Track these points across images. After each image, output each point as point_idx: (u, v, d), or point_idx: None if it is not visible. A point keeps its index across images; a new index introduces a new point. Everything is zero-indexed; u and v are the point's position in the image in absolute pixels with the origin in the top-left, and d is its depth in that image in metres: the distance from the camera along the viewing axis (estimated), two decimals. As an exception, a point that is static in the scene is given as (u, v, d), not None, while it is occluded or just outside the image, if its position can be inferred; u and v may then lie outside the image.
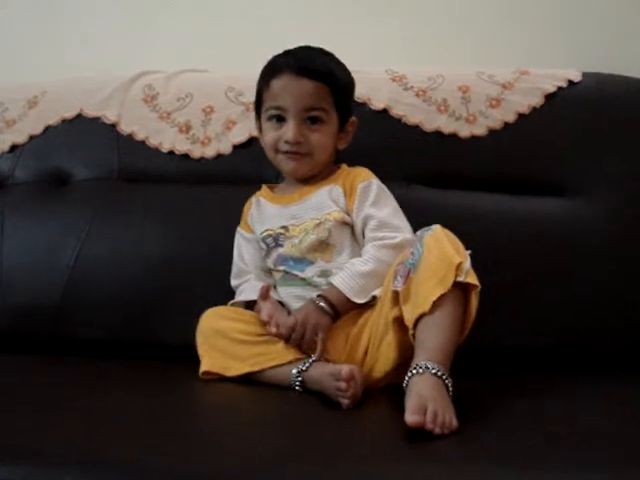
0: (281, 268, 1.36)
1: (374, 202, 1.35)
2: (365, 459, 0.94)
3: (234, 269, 1.44)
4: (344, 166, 1.43)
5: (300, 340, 1.25)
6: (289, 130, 1.35)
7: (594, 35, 1.68)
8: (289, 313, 1.30)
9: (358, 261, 1.30)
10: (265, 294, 1.30)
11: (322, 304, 1.26)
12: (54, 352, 1.49)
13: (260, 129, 1.44)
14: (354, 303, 1.27)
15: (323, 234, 1.34)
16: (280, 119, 1.38)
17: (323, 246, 1.34)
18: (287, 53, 1.40)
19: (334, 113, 1.38)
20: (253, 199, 1.47)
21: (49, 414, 1.10)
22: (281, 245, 1.37)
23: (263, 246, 1.40)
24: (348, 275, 1.28)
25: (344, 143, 1.43)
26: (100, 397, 1.19)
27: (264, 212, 1.43)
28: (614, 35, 1.68)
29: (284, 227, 1.38)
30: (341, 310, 1.27)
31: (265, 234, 1.40)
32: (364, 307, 1.28)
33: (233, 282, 1.43)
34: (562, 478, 0.89)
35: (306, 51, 1.40)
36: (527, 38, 1.71)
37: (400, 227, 1.33)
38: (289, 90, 1.35)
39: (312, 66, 1.36)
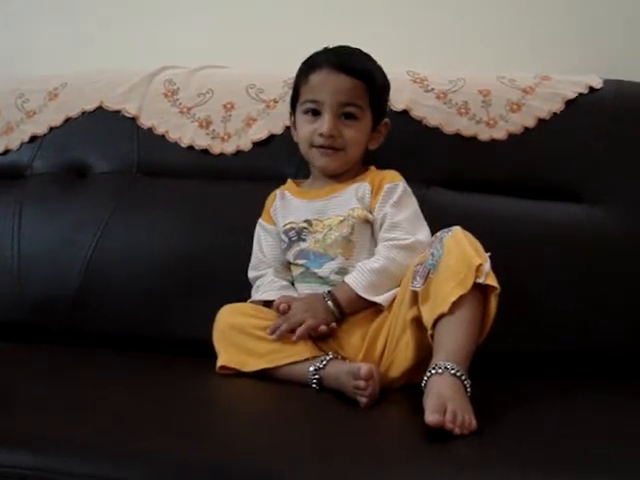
0: (301, 262, 1.37)
1: (396, 202, 1.36)
2: (386, 458, 0.94)
3: (253, 260, 1.44)
4: (373, 167, 1.44)
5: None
6: (324, 123, 1.37)
7: (616, 42, 1.68)
8: None
9: (369, 260, 1.31)
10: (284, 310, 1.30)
11: (328, 301, 1.28)
12: (69, 344, 1.50)
13: (294, 124, 1.45)
14: (363, 300, 1.27)
15: (346, 230, 1.34)
16: (315, 113, 1.39)
17: (345, 242, 1.35)
18: (327, 50, 1.42)
19: (368, 112, 1.39)
20: (277, 192, 1.47)
21: (61, 406, 1.11)
22: (304, 240, 1.37)
23: (285, 239, 1.40)
24: (359, 272, 1.29)
25: (375, 143, 1.44)
26: (114, 391, 1.19)
27: (288, 205, 1.44)
28: (636, 42, 1.68)
29: (307, 221, 1.39)
30: (347, 309, 1.28)
31: (288, 227, 1.40)
32: (377, 307, 1.29)
33: (250, 274, 1.43)
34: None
35: (346, 49, 1.42)
36: (548, 43, 1.71)
37: (413, 231, 1.33)
38: (327, 84, 1.37)
39: (351, 63, 1.38)
